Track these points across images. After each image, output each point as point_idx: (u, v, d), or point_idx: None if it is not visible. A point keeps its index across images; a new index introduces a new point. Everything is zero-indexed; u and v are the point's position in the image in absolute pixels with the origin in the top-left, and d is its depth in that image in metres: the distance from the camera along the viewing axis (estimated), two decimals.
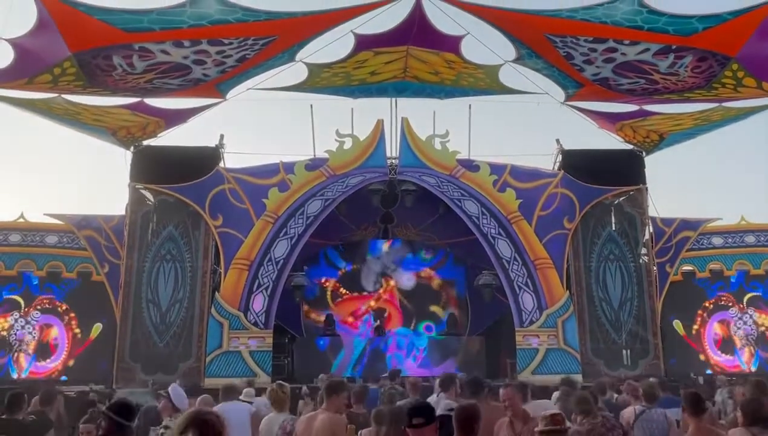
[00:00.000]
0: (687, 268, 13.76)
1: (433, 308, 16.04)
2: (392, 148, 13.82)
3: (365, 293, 16.02)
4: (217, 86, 10.62)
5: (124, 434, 3.66)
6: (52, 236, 12.84)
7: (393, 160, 13.77)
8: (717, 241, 13.86)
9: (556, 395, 7.49)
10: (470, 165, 13.72)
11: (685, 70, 9.90)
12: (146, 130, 12.33)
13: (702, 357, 13.26)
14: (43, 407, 6.69)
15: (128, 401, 4.05)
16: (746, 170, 29.99)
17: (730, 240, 13.86)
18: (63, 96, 10.26)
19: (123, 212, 12.87)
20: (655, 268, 13.38)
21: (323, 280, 16.00)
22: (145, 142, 12.93)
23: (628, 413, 5.71)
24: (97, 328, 12.52)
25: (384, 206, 14.65)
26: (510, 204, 13.45)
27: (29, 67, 8.63)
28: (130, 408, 3.82)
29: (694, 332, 13.41)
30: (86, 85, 9.49)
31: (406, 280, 16.12)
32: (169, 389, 4.96)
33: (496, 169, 13.71)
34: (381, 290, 16.12)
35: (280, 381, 5.63)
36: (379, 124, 13.70)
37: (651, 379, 8.26)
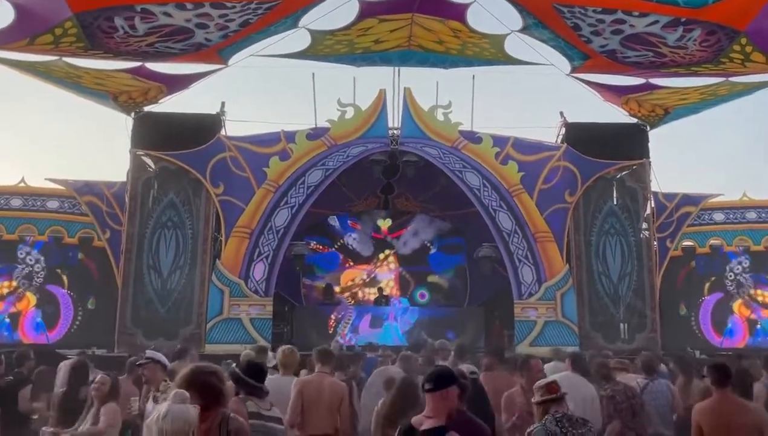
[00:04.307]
0: (687, 243, 13.78)
1: (432, 278, 16.14)
2: (394, 119, 13.72)
3: (364, 263, 16.10)
4: (219, 52, 10.49)
5: (253, 394, 3.69)
6: (54, 201, 12.80)
7: (395, 131, 13.68)
8: (718, 216, 13.82)
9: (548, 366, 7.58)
10: (473, 137, 13.64)
11: (694, 43, 9.78)
12: (147, 96, 12.21)
13: (697, 333, 13.35)
14: (19, 368, 6.98)
15: (260, 362, 4.05)
16: (750, 146, 29.88)
17: (731, 216, 13.83)
18: (64, 59, 10.15)
19: (124, 178, 12.83)
20: (655, 243, 13.41)
21: (323, 249, 16.05)
22: (146, 109, 12.82)
23: (632, 386, 5.78)
24: None
25: (385, 177, 14.62)
26: (512, 177, 13.42)
27: (30, 27, 8.51)
28: (260, 370, 3.82)
29: (691, 308, 13.48)
30: (87, 47, 9.37)
31: (406, 249, 16.17)
32: (149, 354, 4.93)
33: (499, 141, 13.63)
34: (378, 260, 16.18)
35: (290, 346, 5.83)
36: (381, 94, 13.57)
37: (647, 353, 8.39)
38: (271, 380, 5.10)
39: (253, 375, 3.64)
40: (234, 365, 4.61)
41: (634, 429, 5.39)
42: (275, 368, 5.73)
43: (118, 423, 4.61)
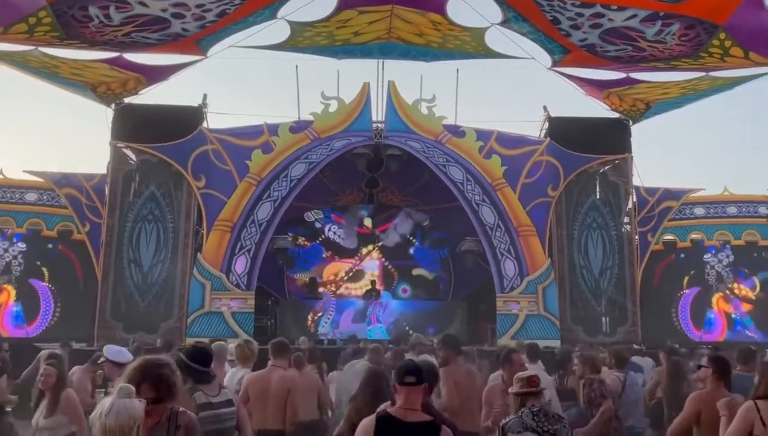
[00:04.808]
0: (668, 237, 13.85)
1: (415, 272, 16.12)
2: (378, 112, 13.71)
3: (348, 256, 16.06)
4: (198, 42, 10.41)
5: (201, 380, 3.62)
6: (32, 194, 12.68)
7: (379, 125, 13.66)
8: (699, 211, 13.91)
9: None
10: (456, 131, 13.64)
11: (672, 38, 9.79)
12: (127, 87, 12.10)
13: (676, 327, 13.43)
14: None
15: (204, 345, 3.97)
16: (732, 141, 30.12)
17: (712, 210, 13.92)
18: (40, 49, 10.03)
19: (104, 171, 12.73)
20: (636, 237, 13.47)
21: (307, 243, 15.99)
22: (126, 100, 12.71)
23: (613, 382, 5.80)
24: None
25: (369, 171, 14.64)
26: (495, 171, 13.43)
27: (3, 16, 8.39)
28: (206, 353, 3.75)
29: (671, 302, 13.56)
30: (63, 37, 9.26)
31: (390, 242, 16.13)
32: (104, 351, 4.82)
33: (482, 135, 13.64)
34: (361, 254, 16.12)
35: (248, 338, 5.77)
36: (365, 87, 13.55)
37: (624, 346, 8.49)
38: (228, 376, 5.08)
39: (199, 360, 3.59)
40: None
41: (619, 418, 5.43)
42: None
43: (81, 411, 4.54)
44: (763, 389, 3.59)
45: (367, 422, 3.07)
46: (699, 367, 4.56)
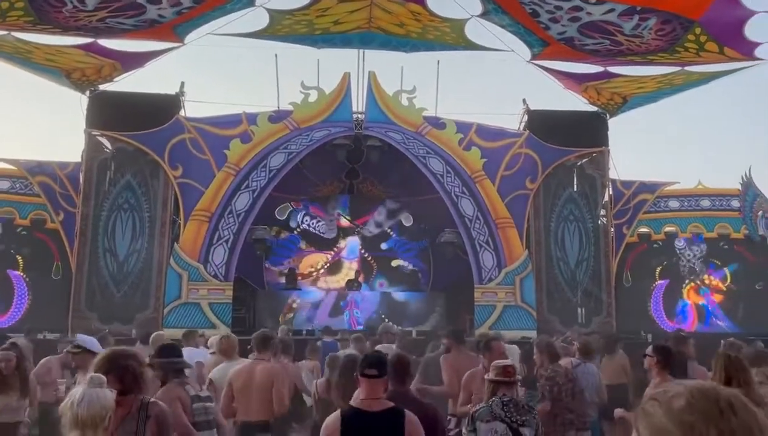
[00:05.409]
0: (643, 230, 14.06)
1: (395, 263, 16.14)
2: (358, 103, 13.64)
3: (327, 248, 16.02)
4: (174, 29, 10.24)
5: (181, 372, 3.64)
6: (5, 182, 12.43)
7: (359, 115, 13.61)
8: (673, 204, 14.16)
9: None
10: (436, 122, 13.66)
11: (649, 32, 9.91)
12: (101, 74, 11.87)
13: (650, 317, 13.66)
14: None
15: (172, 342, 3.98)
16: (706, 135, 30.65)
17: (686, 203, 14.18)
18: (13, 34, 9.81)
19: (79, 159, 12.52)
20: (612, 229, 13.65)
21: (285, 234, 15.91)
22: (102, 87, 12.48)
23: (564, 365, 5.90)
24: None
25: (349, 162, 14.56)
26: (474, 163, 13.49)
27: None
28: (176, 347, 3.75)
29: (644, 293, 13.78)
30: (36, 21, 9.06)
31: (369, 234, 16.10)
32: (79, 341, 4.76)
33: (462, 127, 13.68)
34: (339, 246, 16.08)
35: (227, 332, 5.84)
36: (346, 77, 13.47)
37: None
38: (218, 370, 5.12)
39: (172, 354, 3.60)
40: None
41: (573, 411, 5.48)
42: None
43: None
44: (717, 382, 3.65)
45: (332, 419, 3.10)
46: (645, 355, 4.63)
